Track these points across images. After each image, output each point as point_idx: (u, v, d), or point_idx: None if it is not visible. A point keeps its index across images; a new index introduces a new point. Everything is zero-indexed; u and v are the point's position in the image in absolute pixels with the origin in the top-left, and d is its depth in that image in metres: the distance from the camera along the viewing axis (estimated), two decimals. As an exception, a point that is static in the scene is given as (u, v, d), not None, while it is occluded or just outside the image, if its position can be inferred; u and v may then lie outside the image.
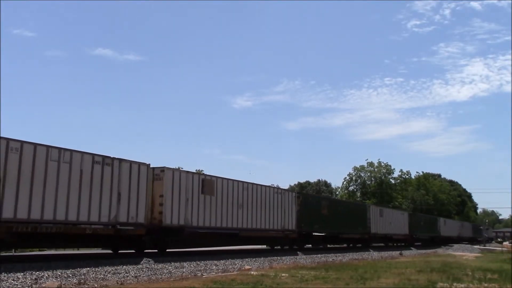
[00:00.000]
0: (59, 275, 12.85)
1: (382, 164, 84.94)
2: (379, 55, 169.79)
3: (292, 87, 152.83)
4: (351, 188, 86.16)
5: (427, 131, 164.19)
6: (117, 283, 12.90)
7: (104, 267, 14.58)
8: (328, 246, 34.71)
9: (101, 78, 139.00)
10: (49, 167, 15.11)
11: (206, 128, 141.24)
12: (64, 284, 12.06)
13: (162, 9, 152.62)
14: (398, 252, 36.06)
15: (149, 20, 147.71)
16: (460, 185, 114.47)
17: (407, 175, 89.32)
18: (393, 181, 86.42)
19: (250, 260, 20.86)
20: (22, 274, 12.30)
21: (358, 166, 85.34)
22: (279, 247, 29.02)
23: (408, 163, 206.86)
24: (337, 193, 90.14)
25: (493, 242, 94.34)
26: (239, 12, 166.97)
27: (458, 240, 68.25)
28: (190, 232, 20.03)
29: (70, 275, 13.01)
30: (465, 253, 39.81)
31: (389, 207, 60.45)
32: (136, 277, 14.07)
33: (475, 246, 60.57)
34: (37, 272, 12.75)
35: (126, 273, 14.43)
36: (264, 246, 29.55)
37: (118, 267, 14.90)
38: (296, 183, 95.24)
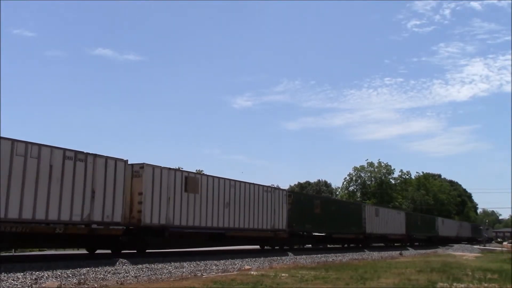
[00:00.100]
0: (59, 275, 12.62)
1: (382, 164, 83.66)
2: (379, 55, 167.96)
3: (292, 87, 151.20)
4: (351, 188, 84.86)
5: (427, 131, 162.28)
6: (117, 283, 12.68)
7: (104, 267, 14.28)
8: (321, 246, 33.27)
9: (101, 78, 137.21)
10: (15, 162, 13.78)
11: (206, 128, 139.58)
12: (64, 284, 11.87)
13: (162, 9, 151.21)
14: (398, 252, 35.16)
15: (149, 20, 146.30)
16: (460, 185, 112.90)
17: (407, 175, 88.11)
18: (393, 181, 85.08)
19: (250, 260, 20.30)
20: (22, 274, 12.07)
21: (358, 166, 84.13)
22: (269, 247, 27.52)
23: (408, 163, 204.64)
24: (337, 193, 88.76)
25: (493, 242, 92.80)
26: (239, 12, 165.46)
27: (457, 240, 66.48)
28: (172, 232, 18.62)
29: (70, 275, 12.77)
30: (465, 253, 39.12)
31: (389, 207, 58.99)
32: (136, 277, 13.80)
33: (475, 246, 59.79)
34: (37, 272, 12.50)
35: (126, 273, 14.13)
36: (257, 247, 27.89)
37: (118, 267, 14.56)
38: (296, 183, 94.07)
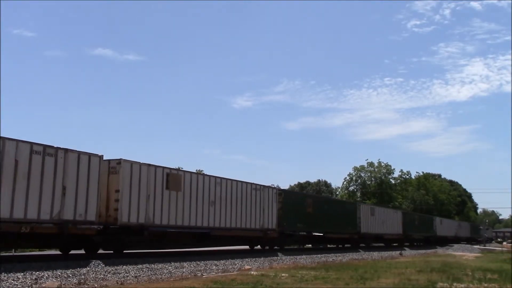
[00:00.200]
0: (59, 275, 12.37)
1: (382, 164, 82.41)
2: (379, 55, 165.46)
3: (292, 87, 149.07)
4: (351, 188, 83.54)
5: (427, 131, 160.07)
6: (117, 283, 12.44)
7: (104, 267, 13.97)
8: (313, 246, 31.94)
9: (101, 78, 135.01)
10: (-25, 157, 12.51)
11: (206, 128, 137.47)
12: (64, 284, 11.65)
13: (162, 9, 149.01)
14: (398, 252, 34.22)
15: (149, 20, 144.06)
16: (460, 185, 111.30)
17: (407, 175, 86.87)
18: (393, 181, 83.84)
19: (250, 260, 19.88)
20: (22, 274, 11.84)
21: (358, 166, 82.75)
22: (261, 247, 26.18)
23: (408, 163, 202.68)
24: (337, 193, 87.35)
25: (493, 242, 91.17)
26: (239, 12, 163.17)
27: (455, 240, 64.66)
28: (152, 231, 17.28)
29: (70, 275, 12.53)
30: (465, 253, 38.58)
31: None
32: (136, 277, 13.53)
33: (475, 246, 58.93)
34: (37, 272, 12.24)
35: (126, 273, 13.82)
36: (246, 247, 26.43)
37: (118, 267, 14.21)
38: (296, 183, 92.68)
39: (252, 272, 15.76)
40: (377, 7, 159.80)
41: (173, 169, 18.47)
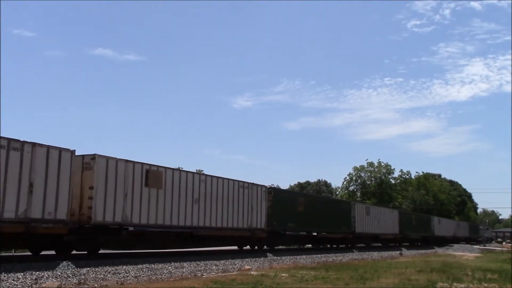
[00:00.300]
0: (59, 275, 12.13)
1: (382, 164, 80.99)
2: (379, 55, 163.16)
3: (292, 87, 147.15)
4: (351, 188, 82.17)
5: (427, 131, 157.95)
6: (117, 283, 12.23)
7: (104, 267, 13.66)
8: (304, 247, 30.60)
9: (101, 78, 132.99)
10: None
11: (206, 128, 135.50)
12: (64, 284, 11.43)
13: (162, 9, 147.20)
14: (398, 252, 33.40)
15: (149, 20, 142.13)
16: (460, 185, 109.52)
17: (407, 175, 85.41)
18: (393, 181, 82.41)
19: (250, 260, 19.53)
20: (22, 274, 11.60)
21: (358, 166, 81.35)
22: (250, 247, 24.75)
23: (408, 163, 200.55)
24: (337, 193, 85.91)
25: (493, 242, 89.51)
26: (239, 12, 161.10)
27: (454, 240, 62.91)
28: (130, 230, 15.98)
29: (70, 275, 12.30)
30: (465, 253, 38.64)
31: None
32: (136, 277, 13.30)
33: (475, 246, 57.81)
34: (37, 272, 12.00)
35: (126, 273, 13.55)
36: (235, 247, 24.95)
37: (118, 267, 13.91)
38: (296, 183, 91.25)
39: (252, 272, 15.51)
40: (377, 7, 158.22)
41: (153, 165, 17.07)
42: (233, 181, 21.38)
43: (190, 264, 16.29)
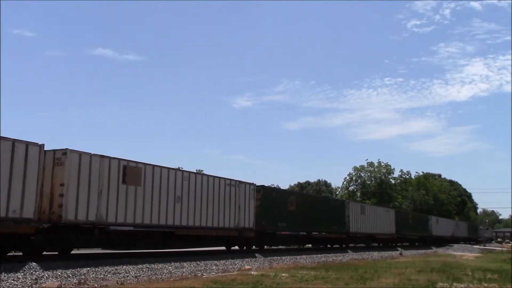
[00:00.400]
0: (59, 275, 11.96)
1: (382, 164, 79.61)
2: (379, 55, 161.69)
3: (292, 87, 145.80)
4: (351, 188, 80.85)
5: (427, 131, 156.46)
6: (117, 283, 12.10)
7: (104, 267, 13.45)
8: (296, 247, 29.35)
9: (101, 78, 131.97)
10: None
11: (206, 128, 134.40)
12: (64, 284, 11.30)
13: (162, 9, 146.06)
14: (398, 252, 32.63)
15: (149, 20, 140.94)
16: (460, 185, 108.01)
17: (407, 175, 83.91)
18: (393, 181, 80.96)
19: (250, 260, 19.29)
20: (22, 274, 11.47)
21: (358, 166, 79.98)
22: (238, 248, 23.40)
23: (408, 163, 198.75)
24: (337, 193, 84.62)
25: (493, 242, 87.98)
26: (239, 12, 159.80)
27: (452, 240, 61.25)
28: (105, 230, 14.75)
29: (70, 275, 12.12)
30: (465, 253, 38.11)
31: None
32: (136, 277, 13.15)
33: (475, 246, 56.71)
34: (37, 272, 11.83)
35: (126, 273, 13.38)
36: (222, 248, 23.60)
37: (118, 267, 13.69)
38: (296, 183, 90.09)
39: (252, 272, 15.36)
40: (377, 7, 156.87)
41: (132, 161, 15.76)
42: (219, 178, 20.11)
43: (190, 264, 16.08)
